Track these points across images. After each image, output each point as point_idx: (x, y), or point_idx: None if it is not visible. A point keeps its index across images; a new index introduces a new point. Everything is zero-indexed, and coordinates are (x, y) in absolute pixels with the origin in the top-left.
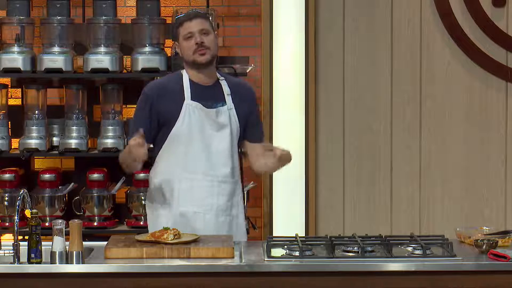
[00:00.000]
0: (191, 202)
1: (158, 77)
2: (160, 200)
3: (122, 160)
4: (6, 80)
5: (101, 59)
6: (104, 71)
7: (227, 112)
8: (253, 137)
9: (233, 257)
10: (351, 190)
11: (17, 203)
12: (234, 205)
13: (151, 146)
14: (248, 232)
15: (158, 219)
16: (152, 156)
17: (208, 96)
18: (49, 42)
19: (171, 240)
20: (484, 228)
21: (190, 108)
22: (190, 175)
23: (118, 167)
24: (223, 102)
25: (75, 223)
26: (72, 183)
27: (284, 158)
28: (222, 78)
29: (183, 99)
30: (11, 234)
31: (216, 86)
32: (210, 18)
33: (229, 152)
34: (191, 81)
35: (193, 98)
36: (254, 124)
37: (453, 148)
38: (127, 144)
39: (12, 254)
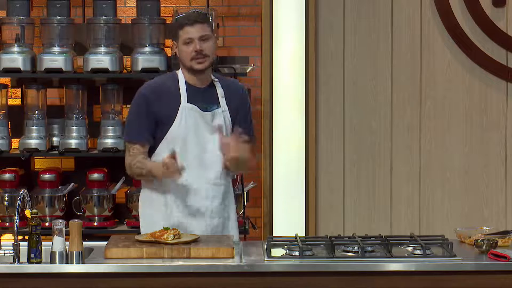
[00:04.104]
0: (185, 205)
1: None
2: (154, 202)
3: (140, 173)
4: (6, 80)
5: (101, 59)
6: (104, 71)
7: (221, 115)
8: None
9: (233, 257)
10: (351, 190)
11: (17, 203)
12: (226, 207)
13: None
14: (247, 232)
15: (152, 221)
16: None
17: (203, 99)
18: (49, 42)
19: (171, 240)
20: (484, 228)
21: (187, 111)
22: (185, 177)
23: (118, 167)
24: (217, 104)
25: (75, 223)
26: (72, 183)
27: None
28: (216, 79)
29: (179, 101)
30: (11, 234)
31: (210, 88)
32: (210, 18)
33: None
34: (187, 83)
35: (189, 101)
36: (244, 122)
37: (453, 148)
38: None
39: (12, 254)
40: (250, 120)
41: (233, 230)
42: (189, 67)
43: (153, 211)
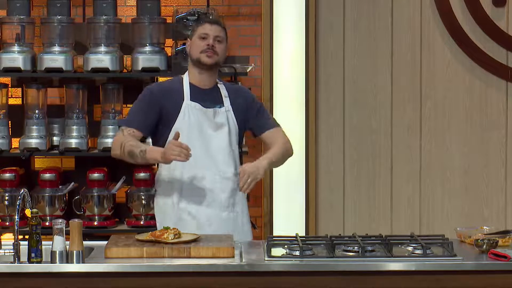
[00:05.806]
0: (194, 197)
1: (159, 77)
2: (165, 197)
3: (131, 151)
4: (6, 80)
5: (101, 58)
6: (105, 70)
7: (225, 114)
8: (266, 125)
9: (233, 257)
10: (351, 190)
11: (18, 203)
12: (237, 202)
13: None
14: None
15: (165, 216)
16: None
17: (206, 98)
18: (50, 41)
19: (171, 239)
20: (484, 227)
21: (189, 108)
22: (192, 171)
23: (118, 167)
24: (221, 104)
25: (75, 222)
26: (72, 183)
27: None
28: (221, 83)
29: (183, 100)
30: (12, 234)
31: (214, 90)
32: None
33: (229, 150)
34: (191, 84)
35: (192, 99)
36: (261, 115)
37: (453, 148)
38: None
39: (13, 253)
40: (267, 113)
41: (245, 227)
42: (196, 59)
43: (165, 206)
